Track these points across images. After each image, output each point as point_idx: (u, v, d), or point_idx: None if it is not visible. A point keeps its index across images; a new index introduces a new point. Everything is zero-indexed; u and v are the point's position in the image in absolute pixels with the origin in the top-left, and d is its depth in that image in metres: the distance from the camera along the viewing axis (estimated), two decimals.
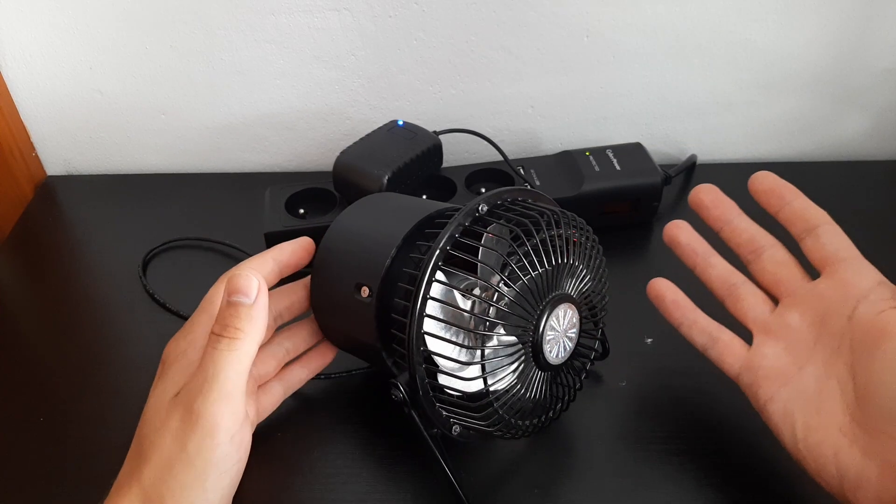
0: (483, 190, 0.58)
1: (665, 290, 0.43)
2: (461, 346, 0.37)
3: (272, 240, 0.53)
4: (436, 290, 0.36)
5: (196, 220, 0.60)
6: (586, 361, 0.41)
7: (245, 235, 0.57)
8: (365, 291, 0.38)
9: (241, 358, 0.34)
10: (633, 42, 0.60)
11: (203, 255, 0.57)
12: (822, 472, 0.35)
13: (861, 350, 0.35)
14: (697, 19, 0.59)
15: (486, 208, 0.37)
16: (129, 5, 0.58)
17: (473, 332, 0.37)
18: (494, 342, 0.36)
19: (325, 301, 0.42)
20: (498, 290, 0.36)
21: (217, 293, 0.39)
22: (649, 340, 0.47)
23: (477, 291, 0.38)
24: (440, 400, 0.37)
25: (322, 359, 0.44)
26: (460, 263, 0.36)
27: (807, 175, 0.64)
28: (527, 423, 0.39)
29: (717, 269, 0.42)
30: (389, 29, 0.59)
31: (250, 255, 0.41)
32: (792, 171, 0.64)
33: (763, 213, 0.42)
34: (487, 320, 0.36)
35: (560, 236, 0.37)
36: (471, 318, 0.37)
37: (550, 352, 0.37)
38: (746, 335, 0.41)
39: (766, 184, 0.41)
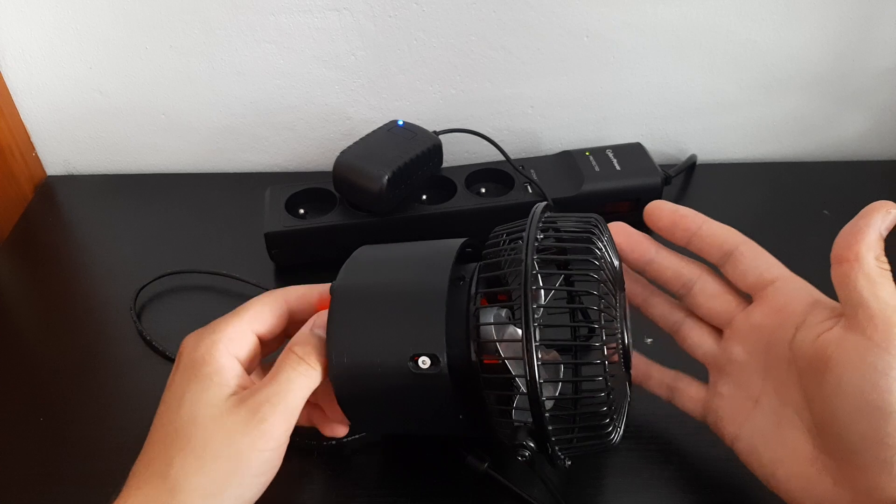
0: (483, 190, 0.58)
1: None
2: (582, 379, 0.36)
3: (272, 240, 0.53)
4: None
5: (196, 220, 0.60)
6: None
7: (245, 235, 0.57)
8: (425, 362, 0.34)
9: (310, 386, 0.36)
10: (634, 42, 0.60)
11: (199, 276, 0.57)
12: (797, 501, 0.34)
13: (809, 379, 0.34)
14: (697, 19, 0.59)
15: (541, 237, 0.35)
16: (128, 5, 0.58)
17: (587, 362, 0.36)
18: (606, 363, 0.35)
19: (362, 388, 0.36)
20: (600, 309, 0.35)
21: (263, 307, 0.38)
22: (649, 340, 0.47)
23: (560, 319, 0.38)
24: (559, 442, 0.34)
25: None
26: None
27: (807, 175, 0.64)
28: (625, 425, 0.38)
29: (658, 309, 0.41)
30: (389, 29, 0.59)
31: (243, 281, 0.40)
32: (792, 171, 0.65)
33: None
34: (601, 346, 0.35)
35: (610, 238, 0.38)
36: (580, 348, 0.36)
37: (630, 351, 0.37)
38: (702, 371, 0.40)
39: (663, 217, 0.39)
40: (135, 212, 0.62)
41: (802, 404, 0.35)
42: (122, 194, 0.64)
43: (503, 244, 0.36)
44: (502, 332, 0.35)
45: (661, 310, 0.41)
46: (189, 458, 0.33)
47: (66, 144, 0.66)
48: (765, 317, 0.37)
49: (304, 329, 0.37)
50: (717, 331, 0.40)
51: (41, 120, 0.65)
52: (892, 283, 0.32)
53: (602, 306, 0.35)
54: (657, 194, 0.57)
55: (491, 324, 0.34)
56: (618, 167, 0.57)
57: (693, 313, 0.40)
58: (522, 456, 0.33)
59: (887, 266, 0.32)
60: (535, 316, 0.32)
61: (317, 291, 0.39)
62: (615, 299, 0.36)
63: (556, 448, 0.34)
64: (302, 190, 0.56)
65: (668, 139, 0.66)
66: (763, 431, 0.36)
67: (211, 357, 0.36)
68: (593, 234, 0.36)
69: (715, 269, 0.39)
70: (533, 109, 0.64)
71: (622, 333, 0.36)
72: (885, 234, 0.33)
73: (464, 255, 0.38)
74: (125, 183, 0.66)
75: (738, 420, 0.37)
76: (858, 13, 0.59)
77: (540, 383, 0.32)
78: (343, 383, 0.36)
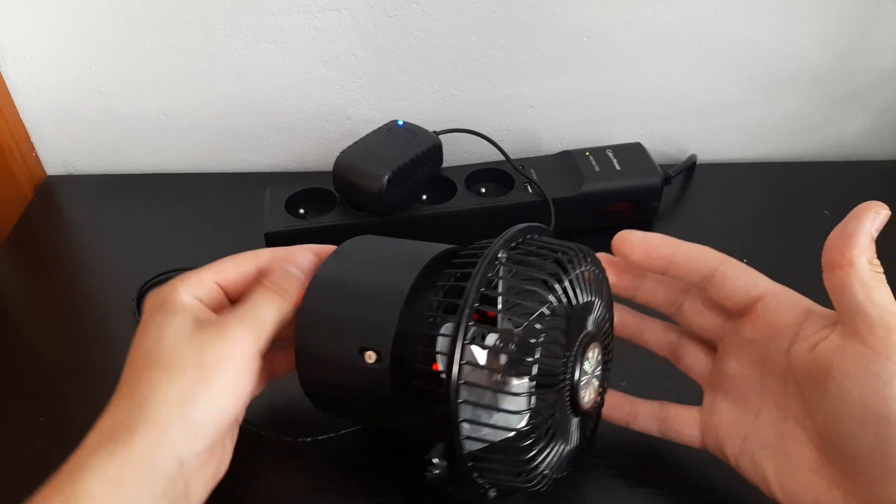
0: (483, 190, 0.58)
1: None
2: (505, 411, 0.33)
3: (272, 240, 0.53)
4: (470, 353, 0.33)
5: (196, 220, 0.60)
6: (603, 392, 0.39)
7: (245, 235, 0.57)
8: (371, 357, 0.35)
9: (281, 311, 0.37)
10: (634, 42, 0.60)
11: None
12: None
13: (809, 389, 0.33)
14: (697, 19, 0.59)
15: (505, 255, 0.34)
16: (128, 5, 0.58)
17: (517, 394, 0.33)
18: (537, 401, 0.33)
19: (316, 372, 0.38)
20: (537, 343, 0.33)
21: (227, 263, 0.39)
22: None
23: (491, 339, 0.35)
24: (477, 468, 0.34)
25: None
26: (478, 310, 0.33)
27: (808, 175, 0.64)
28: (564, 473, 0.37)
29: (652, 334, 0.41)
30: (389, 29, 0.59)
31: None
32: (793, 171, 0.65)
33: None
34: (530, 380, 0.33)
35: (581, 274, 0.35)
36: (510, 378, 0.33)
37: (585, 397, 0.35)
38: (694, 394, 0.39)
39: (636, 249, 0.37)
40: (135, 212, 0.62)
41: (804, 415, 0.34)
42: (122, 194, 0.64)
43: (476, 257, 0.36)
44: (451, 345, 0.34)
45: (655, 334, 0.41)
46: (157, 372, 0.34)
47: (66, 144, 0.66)
48: (756, 331, 0.36)
49: (279, 268, 0.39)
50: (712, 348, 0.39)
51: (41, 120, 0.65)
52: (888, 287, 0.31)
53: (541, 340, 0.33)
54: (657, 194, 0.57)
55: (439, 334, 0.34)
56: (618, 167, 0.57)
57: (686, 333, 0.40)
58: (431, 472, 0.33)
59: (881, 269, 0.32)
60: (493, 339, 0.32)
61: (285, 252, 0.40)
62: (571, 337, 0.34)
63: (473, 473, 0.33)
64: (302, 190, 0.56)
65: (668, 139, 0.66)
66: (766, 445, 0.35)
67: (172, 297, 0.37)
68: (557, 270, 0.34)
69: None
70: (533, 109, 0.64)
71: (570, 375, 0.34)
72: (875, 235, 0.32)
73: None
74: (125, 183, 0.66)
75: (740, 436, 0.36)
76: (858, 13, 0.59)
77: (457, 402, 0.32)
78: (303, 363, 0.38)
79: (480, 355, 0.33)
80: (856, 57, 0.61)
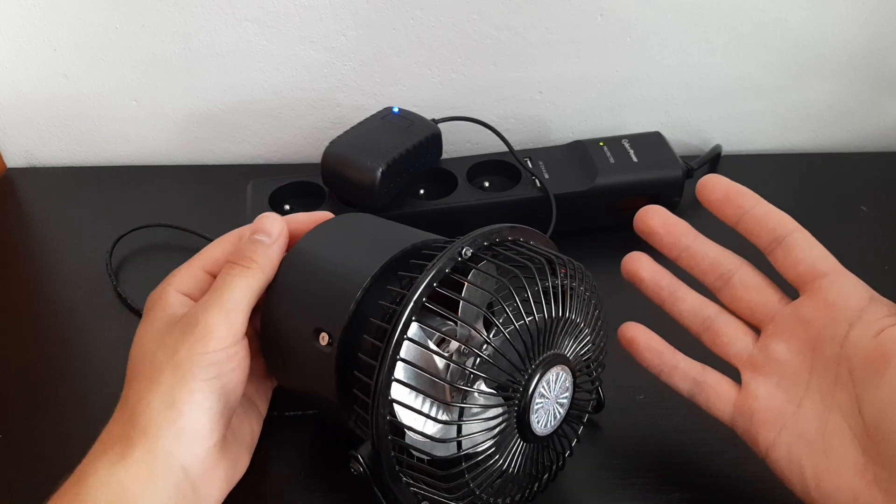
0: (486, 184, 0.57)
1: (637, 336, 0.41)
2: (432, 419, 0.34)
3: None
4: (409, 350, 0.33)
5: (171, 216, 0.60)
6: (578, 425, 0.39)
7: (225, 233, 0.57)
8: (324, 339, 0.36)
9: (249, 283, 0.38)
10: (652, 21, 0.60)
11: (178, 254, 0.57)
12: None
13: (863, 378, 0.34)
14: None
15: (469, 252, 0.35)
16: None
17: (445, 403, 0.34)
18: (472, 414, 0.34)
19: (276, 345, 0.39)
20: (477, 352, 0.33)
21: (214, 247, 0.42)
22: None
23: (453, 346, 0.36)
24: (407, 474, 0.35)
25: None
26: (439, 306, 0.34)
27: (843, 167, 0.64)
28: (507, 500, 0.36)
29: (686, 303, 0.40)
30: (383, 6, 0.59)
31: None
32: (827, 162, 0.65)
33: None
34: (464, 389, 0.33)
35: (557, 287, 0.35)
36: (445, 383, 0.34)
37: (538, 422, 0.35)
38: (735, 372, 0.39)
39: (717, 191, 0.39)
40: (103, 208, 0.62)
41: (852, 408, 0.34)
42: (88, 188, 0.64)
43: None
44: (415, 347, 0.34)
45: (691, 303, 0.41)
46: (141, 382, 0.36)
47: (27, 134, 0.66)
48: (815, 311, 0.36)
49: (245, 235, 0.41)
50: (754, 330, 0.39)
51: (0, 107, 0.64)
52: None
53: (484, 349, 0.33)
54: (678, 188, 0.57)
55: (382, 325, 0.34)
56: (635, 159, 0.57)
57: (727, 309, 0.40)
58: (355, 470, 0.34)
59: None
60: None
61: (257, 222, 0.42)
62: (530, 353, 0.34)
63: (402, 478, 0.34)
64: (287, 184, 0.56)
65: (690, 128, 0.66)
66: (806, 439, 0.35)
67: (158, 298, 0.39)
68: (524, 278, 0.34)
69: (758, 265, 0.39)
70: (541, 95, 0.64)
71: (517, 393, 0.34)
72: None
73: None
74: (92, 176, 0.65)
75: (777, 426, 0.37)
76: None
77: (382, 398, 0.33)
78: (265, 336, 0.39)
79: (419, 354, 0.34)
80: None
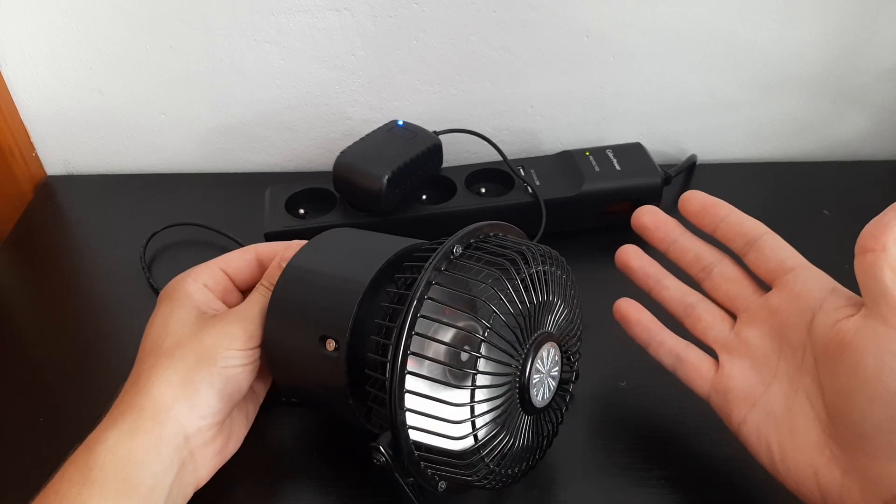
0: (483, 190, 0.58)
1: (630, 311, 0.42)
2: (447, 403, 0.34)
3: (272, 239, 0.53)
4: (417, 343, 0.34)
5: (196, 219, 0.60)
6: (566, 395, 0.40)
7: (245, 235, 0.57)
8: (331, 345, 0.36)
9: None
10: (633, 42, 0.60)
11: (205, 250, 0.57)
12: (803, 491, 0.34)
13: (824, 364, 0.34)
14: (697, 19, 0.59)
15: (460, 250, 0.35)
16: (129, 5, 0.58)
17: (460, 386, 0.35)
18: (482, 395, 0.34)
19: (282, 356, 0.39)
20: (483, 339, 0.34)
21: (233, 253, 0.43)
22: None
23: (448, 336, 0.36)
24: (425, 458, 0.35)
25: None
26: (437, 300, 0.34)
27: (807, 175, 0.64)
28: (515, 470, 0.37)
29: (671, 290, 0.41)
30: (389, 29, 0.59)
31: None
32: (793, 171, 0.65)
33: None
34: (472, 373, 0.34)
35: (538, 273, 0.36)
36: (455, 370, 0.34)
37: (537, 395, 0.36)
38: (714, 352, 0.40)
39: (695, 203, 0.41)
40: (135, 212, 0.62)
41: (815, 391, 0.35)
42: (122, 194, 0.64)
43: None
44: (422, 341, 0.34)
45: (675, 291, 0.41)
46: (161, 358, 0.37)
47: (65, 144, 0.66)
48: (783, 301, 0.37)
49: (273, 262, 0.42)
50: (731, 317, 0.40)
51: (41, 120, 0.64)
52: None
53: (486, 335, 0.34)
54: (657, 194, 0.57)
55: (388, 325, 0.34)
56: (618, 167, 0.57)
57: (708, 297, 0.41)
58: (377, 460, 0.34)
59: None
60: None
61: (284, 246, 0.43)
62: (523, 335, 0.35)
63: (421, 463, 0.34)
64: (302, 190, 0.56)
65: (668, 139, 0.66)
66: (773, 417, 0.36)
67: (180, 286, 0.40)
68: (510, 268, 0.35)
69: (737, 259, 0.40)
70: (533, 109, 0.64)
71: (518, 372, 0.35)
72: None
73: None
74: (125, 183, 0.66)
75: (748, 404, 0.37)
76: (858, 12, 0.59)
77: (398, 391, 0.33)
78: (269, 348, 0.39)
79: (426, 346, 0.35)
80: (856, 56, 0.61)
